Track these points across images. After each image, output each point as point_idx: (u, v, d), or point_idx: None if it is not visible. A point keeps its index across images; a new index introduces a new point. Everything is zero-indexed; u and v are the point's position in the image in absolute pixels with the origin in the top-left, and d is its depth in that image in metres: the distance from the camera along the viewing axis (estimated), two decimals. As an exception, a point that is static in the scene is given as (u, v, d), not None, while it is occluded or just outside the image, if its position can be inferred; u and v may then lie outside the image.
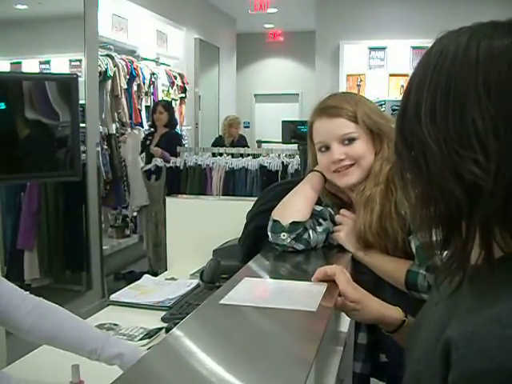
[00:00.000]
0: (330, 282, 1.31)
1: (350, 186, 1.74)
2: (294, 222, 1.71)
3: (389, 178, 1.65)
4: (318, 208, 1.82)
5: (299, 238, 1.72)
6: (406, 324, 1.28)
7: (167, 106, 6.30)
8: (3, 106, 0.52)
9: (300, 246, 1.73)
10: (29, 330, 1.52)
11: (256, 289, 1.30)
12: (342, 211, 1.78)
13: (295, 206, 1.75)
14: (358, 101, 1.72)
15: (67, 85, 0.56)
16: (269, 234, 1.75)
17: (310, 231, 1.74)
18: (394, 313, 1.30)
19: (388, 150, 1.68)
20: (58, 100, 0.58)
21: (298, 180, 1.88)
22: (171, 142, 5.85)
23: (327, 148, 1.72)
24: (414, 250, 1.59)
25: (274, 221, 1.74)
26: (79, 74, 4.91)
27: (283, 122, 3.88)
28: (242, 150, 5.46)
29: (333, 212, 1.82)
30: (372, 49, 8.96)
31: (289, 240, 1.71)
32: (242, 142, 7.55)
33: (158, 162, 5.50)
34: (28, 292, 1.58)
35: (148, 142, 6.08)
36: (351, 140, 1.69)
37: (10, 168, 0.53)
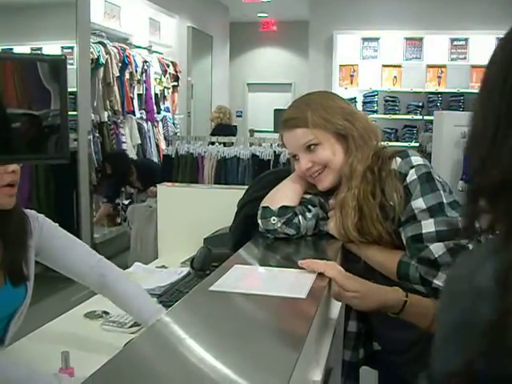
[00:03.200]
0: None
1: (327, 189, 1.78)
2: (283, 206, 1.73)
3: (372, 174, 1.65)
4: (307, 196, 1.82)
5: (289, 222, 1.73)
6: (409, 303, 1.29)
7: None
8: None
9: (291, 231, 1.73)
10: (95, 290, 1.89)
11: (245, 276, 1.30)
12: (331, 202, 1.77)
13: (283, 193, 1.78)
14: (313, 104, 1.73)
15: (56, 66, 0.56)
16: (259, 221, 1.76)
17: (300, 217, 1.75)
18: (394, 295, 1.32)
19: (354, 147, 1.69)
20: (46, 81, 0.58)
21: (289, 169, 1.88)
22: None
23: (296, 157, 1.77)
24: (404, 241, 1.59)
25: (264, 207, 1.76)
26: (71, 61, 4.88)
27: (275, 110, 3.88)
28: (233, 139, 5.47)
29: (322, 199, 1.82)
30: (365, 39, 8.95)
31: (279, 224, 1.72)
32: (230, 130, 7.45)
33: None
34: (101, 257, 1.88)
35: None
36: (314, 146, 1.72)
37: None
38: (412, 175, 1.58)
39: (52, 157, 0.68)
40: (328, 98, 1.77)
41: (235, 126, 8.00)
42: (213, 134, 6.44)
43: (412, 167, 1.59)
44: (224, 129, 7.19)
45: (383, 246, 1.64)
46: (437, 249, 1.51)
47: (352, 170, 1.67)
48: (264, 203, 1.78)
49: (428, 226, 1.53)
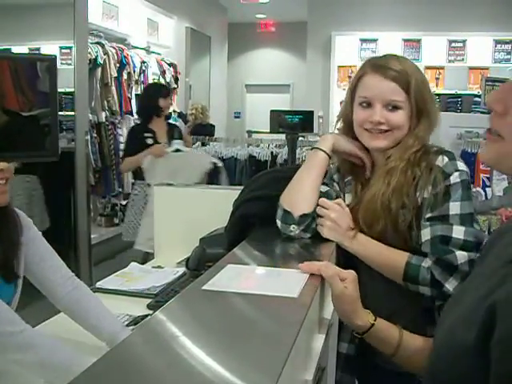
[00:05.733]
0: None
1: (377, 149, 1.74)
2: (303, 215, 1.70)
3: (414, 158, 1.65)
4: (324, 189, 1.80)
5: (308, 228, 1.71)
6: (375, 329, 1.31)
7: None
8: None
9: (307, 235, 1.72)
10: (63, 307, 1.84)
11: (239, 275, 1.31)
12: (321, 201, 1.73)
13: (304, 195, 1.72)
14: (415, 70, 1.69)
15: (46, 66, 0.57)
16: (278, 222, 1.73)
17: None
18: (365, 314, 1.33)
19: (423, 128, 1.68)
20: (36, 81, 0.59)
21: (285, 169, 1.88)
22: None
23: (369, 105, 1.69)
24: (426, 237, 1.60)
25: (285, 212, 1.71)
26: (69, 61, 4.89)
27: (271, 111, 3.87)
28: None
29: (338, 187, 1.83)
30: (363, 40, 8.97)
31: (298, 232, 1.70)
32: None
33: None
34: (73, 274, 1.88)
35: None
36: (396, 107, 1.67)
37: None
38: (456, 178, 1.60)
39: (41, 155, 0.69)
40: (423, 74, 1.76)
41: (213, 126, 7.84)
42: (191, 134, 6.34)
43: (457, 170, 1.61)
44: (201, 129, 7.03)
45: (392, 242, 1.64)
46: (461, 257, 1.53)
47: (413, 145, 1.66)
48: (285, 204, 1.72)
49: (458, 232, 1.55)
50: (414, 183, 1.63)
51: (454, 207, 1.58)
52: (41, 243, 1.84)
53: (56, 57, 0.63)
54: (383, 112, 1.67)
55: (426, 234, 1.60)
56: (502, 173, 1.49)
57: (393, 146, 1.70)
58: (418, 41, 8.71)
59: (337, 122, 1.86)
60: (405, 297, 1.66)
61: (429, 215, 1.60)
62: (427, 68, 8.67)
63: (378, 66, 1.69)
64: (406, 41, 8.82)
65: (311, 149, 1.86)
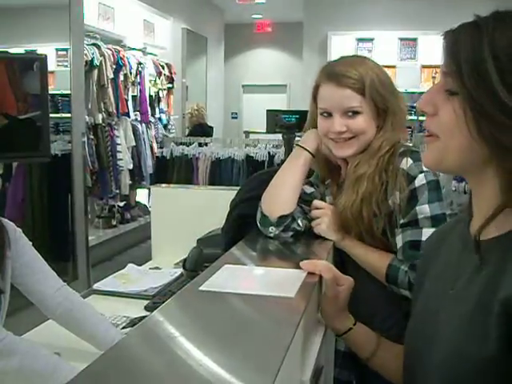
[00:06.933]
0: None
1: (344, 157, 1.72)
2: (282, 216, 1.69)
3: (382, 162, 1.62)
4: (309, 190, 1.80)
5: (287, 228, 1.71)
6: (353, 332, 1.33)
7: None
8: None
9: (288, 234, 1.72)
10: (56, 318, 1.80)
11: (235, 275, 1.31)
12: (315, 203, 1.73)
13: (282, 198, 1.72)
14: (370, 70, 1.65)
15: (36, 65, 0.57)
16: (258, 225, 1.74)
17: (299, 220, 1.72)
18: (346, 318, 1.35)
19: (391, 127, 1.65)
20: (27, 80, 0.58)
21: None
22: None
23: (330, 115, 1.67)
24: (399, 244, 1.58)
25: (263, 215, 1.72)
26: (65, 63, 4.88)
27: (268, 111, 3.88)
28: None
29: (324, 189, 1.82)
30: (360, 40, 8.98)
31: (277, 232, 1.70)
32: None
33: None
34: (65, 284, 1.84)
35: None
36: (355, 113, 1.64)
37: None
38: (421, 180, 1.56)
39: (34, 155, 0.69)
40: (382, 71, 1.70)
41: (211, 128, 7.87)
42: (190, 135, 6.37)
43: (422, 172, 1.56)
44: (199, 129, 7.08)
45: (370, 243, 1.64)
46: None
47: (380, 148, 1.63)
48: (263, 208, 1.73)
49: (429, 234, 1.53)
50: (383, 189, 1.60)
51: (423, 210, 1.55)
52: (30, 255, 1.79)
53: (46, 56, 0.63)
54: (343, 120, 1.65)
55: (398, 240, 1.59)
56: (446, 173, 1.49)
57: (361, 150, 1.67)
58: (415, 40, 8.72)
59: (305, 131, 1.83)
60: (386, 300, 1.65)
61: (401, 221, 1.58)
62: (424, 67, 8.68)
63: (331, 74, 1.66)
64: (402, 40, 8.82)
65: (295, 145, 1.84)
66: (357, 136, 1.66)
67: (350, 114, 1.64)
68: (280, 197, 1.73)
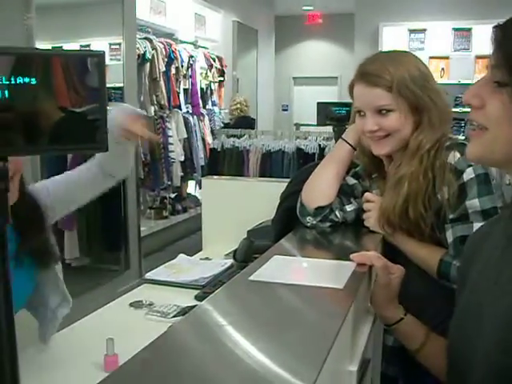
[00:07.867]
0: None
1: (381, 155, 1.72)
2: (318, 207, 1.74)
3: (428, 158, 1.60)
4: (351, 182, 1.81)
5: (325, 219, 1.76)
6: (403, 323, 1.34)
7: None
8: (34, 81, 0.54)
9: (326, 225, 1.76)
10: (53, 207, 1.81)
11: (284, 266, 1.32)
12: (366, 195, 1.73)
13: (321, 189, 1.76)
14: (401, 66, 1.63)
15: (95, 61, 0.59)
16: (297, 213, 1.79)
17: (337, 211, 1.75)
18: (397, 308, 1.36)
19: (428, 124, 1.62)
20: (85, 76, 0.61)
21: None
22: None
23: (364, 113, 1.67)
24: (449, 239, 1.56)
25: (302, 204, 1.78)
26: (118, 57, 4.97)
27: (318, 103, 3.86)
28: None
29: (367, 184, 1.82)
30: (412, 31, 8.83)
31: (314, 222, 1.76)
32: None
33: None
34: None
35: None
36: (387, 111, 1.63)
37: (34, 140, 0.56)
38: (470, 174, 1.53)
39: (92, 147, 0.72)
40: (415, 66, 1.68)
41: (254, 119, 7.88)
42: (234, 127, 6.38)
43: (470, 165, 1.53)
44: (243, 122, 7.05)
45: (419, 239, 1.62)
46: None
47: (419, 147, 1.61)
48: (302, 199, 1.78)
49: None
50: (431, 185, 1.58)
51: (473, 205, 1.52)
52: (50, 185, 1.87)
53: (104, 52, 0.66)
54: (375, 119, 1.64)
55: (449, 236, 1.57)
56: (490, 166, 1.44)
57: (398, 148, 1.66)
58: (469, 30, 8.53)
59: (351, 124, 1.84)
60: (435, 298, 1.63)
61: (450, 216, 1.56)
62: (478, 57, 8.48)
63: (362, 73, 1.66)
64: (456, 30, 8.64)
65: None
66: (391, 134, 1.65)
67: (384, 112, 1.63)
68: (319, 188, 1.77)
